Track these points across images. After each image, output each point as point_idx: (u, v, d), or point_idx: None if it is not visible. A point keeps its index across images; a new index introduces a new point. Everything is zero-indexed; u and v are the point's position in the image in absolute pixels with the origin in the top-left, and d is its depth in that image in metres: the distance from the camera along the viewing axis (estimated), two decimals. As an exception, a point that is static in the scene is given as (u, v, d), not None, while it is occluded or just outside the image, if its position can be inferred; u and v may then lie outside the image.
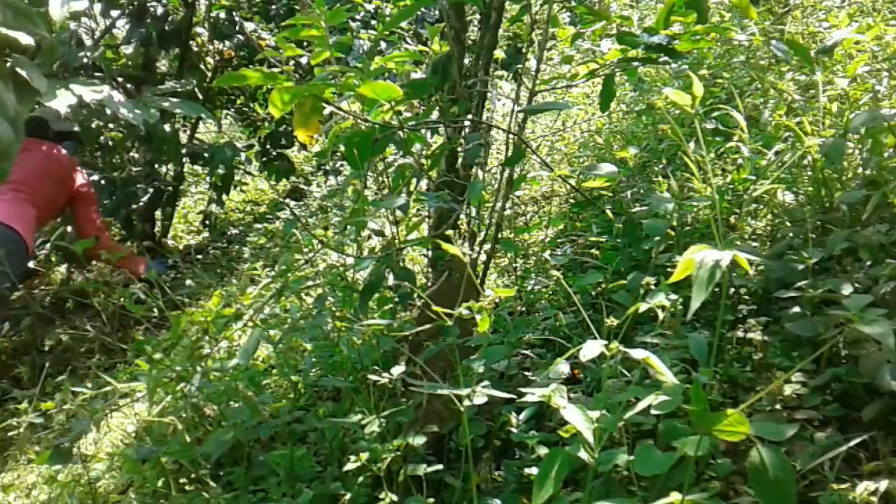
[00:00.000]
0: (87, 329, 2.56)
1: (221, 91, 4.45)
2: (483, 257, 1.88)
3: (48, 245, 3.67)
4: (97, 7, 3.57)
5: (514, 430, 1.33)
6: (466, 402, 1.15)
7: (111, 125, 3.50)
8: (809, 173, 1.84)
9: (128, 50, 3.75)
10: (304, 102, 1.55)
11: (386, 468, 1.27)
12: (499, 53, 2.05)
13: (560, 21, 2.09)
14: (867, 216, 1.56)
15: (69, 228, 3.50)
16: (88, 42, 3.54)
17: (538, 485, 0.97)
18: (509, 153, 1.79)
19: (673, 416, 1.11)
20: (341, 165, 3.44)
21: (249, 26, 4.22)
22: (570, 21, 3.38)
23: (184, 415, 1.72)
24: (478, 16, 2.13)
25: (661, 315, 1.15)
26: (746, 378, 1.41)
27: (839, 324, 1.32)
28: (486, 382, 1.22)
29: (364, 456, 1.27)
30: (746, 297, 1.52)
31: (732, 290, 1.52)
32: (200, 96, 3.95)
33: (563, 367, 1.29)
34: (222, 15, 4.09)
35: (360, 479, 1.37)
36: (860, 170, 1.71)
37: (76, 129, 3.25)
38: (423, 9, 2.95)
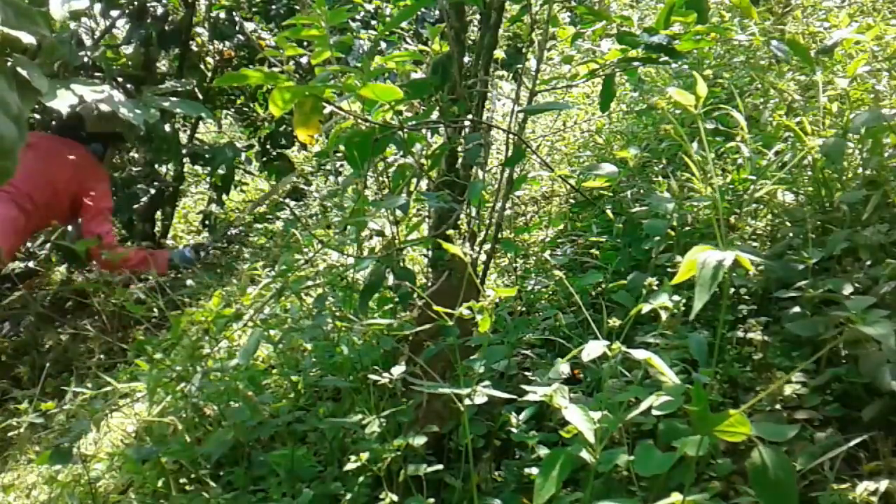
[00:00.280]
0: (87, 329, 2.56)
1: (221, 91, 4.45)
2: (483, 257, 1.88)
3: (48, 245, 3.67)
4: (97, 7, 3.57)
5: (514, 430, 1.32)
6: (466, 402, 1.15)
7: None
8: (809, 173, 1.84)
9: (128, 50, 3.74)
10: (305, 102, 1.55)
11: (386, 468, 1.27)
12: (499, 53, 2.05)
13: (560, 21, 2.08)
14: (867, 216, 1.56)
15: (69, 228, 3.49)
16: (88, 42, 3.54)
17: (539, 485, 0.97)
18: (509, 153, 1.79)
19: (673, 416, 1.11)
20: (341, 165, 3.44)
21: (249, 26, 4.22)
22: (570, 21, 3.38)
23: (184, 415, 1.72)
24: (478, 16, 2.13)
25: (663, 316, 1.15)
26: (746, 378, 1.41)
27: (839, 324, 1.32)
28: (486, 382, 1.22)
29: (364, 456, 1.27)
30: (746, 297, 1.52)
31: (732, 290, 1.52)
32: (200, 96, 3.95)
33: (563, 367, 1.29)
34: (222, 15, 4.09)
35: (360, 479, 1.37)
36: (860, 170, 1.71)
37: (118, 130, 3.16)
38: (423, 9, 2.95)
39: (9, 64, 1.03)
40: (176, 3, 3.80)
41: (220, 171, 3.89)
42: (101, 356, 2.75)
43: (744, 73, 2.50)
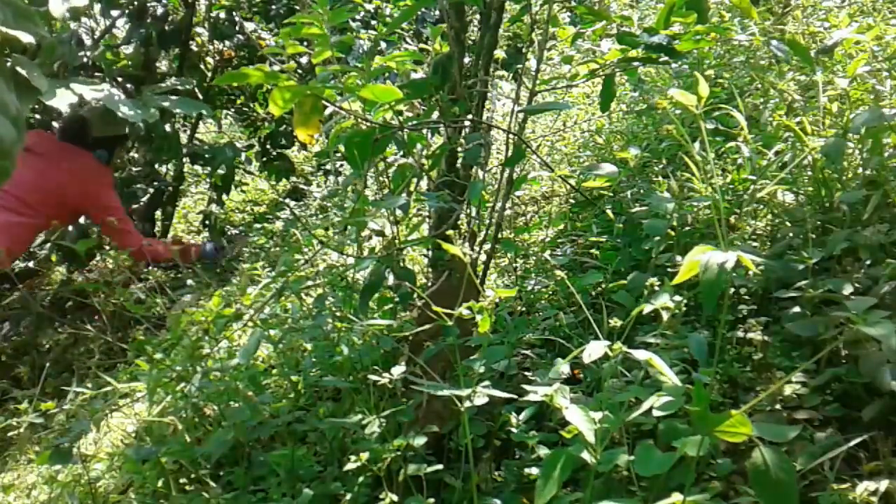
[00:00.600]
0: (88, 329, 2.56)
1: (221, 91, 4.45)
2: (483, 257, 1.88)
3: (48, 245, 3.67)
4: (97, 7, 3.56)
5: (514, 430, 1.32)
6: (466, 403, 1.15)
7: None
8: (809, 173, 1.84)
9: (128, 50, 3.74)
10: (305, 102, 1.55)
11: (386, 468, 1.27)
12: (499, 53, 2.05)
13: (560, 21, 2.08)
14: (867, 216, 1.56)
15: (70, 228, 3.49)
16: (88, 42, 3.54)
17: (540, 485, 0.97)
18: (509, 153, 1.79)
19: (673, 416, 1.11)
20: (341, 165, 3.45)
21: (249, 26, 4.22)
22: (570, 21, 3.38)
23: (184, 415, 1.72)
24: (478, 16, 2.13)
25: (664, 316, 1.15)
26: (746, 378, 1.41)
27: (839, 324, 1.32)
28: (486, 382, 1.22)
29: (364, 456, 1.27)
30: (746, 297, 1.52)
31: (732, 290, 1.52)
32: (200, 96, 3.95)
33: (563, 367, 1.29)
34: (222, 15, 4.09)
35: (360, 479, 1.37)
36: (860, 170, 1.71)
37: (124, 132, 3.14)
38: (423, 9, 2.95)
39: (8, 64, 1.03)
40: (176, 3, 3.80)
41: (220, 171, 3.88)
42: (101, 356, 2.75)
43: (744, 73, 2.50)
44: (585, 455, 1.00)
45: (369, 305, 1.73)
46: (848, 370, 1.30)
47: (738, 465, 1.19)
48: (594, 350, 1.01)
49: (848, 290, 1.36)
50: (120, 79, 3.63)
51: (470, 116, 1.92)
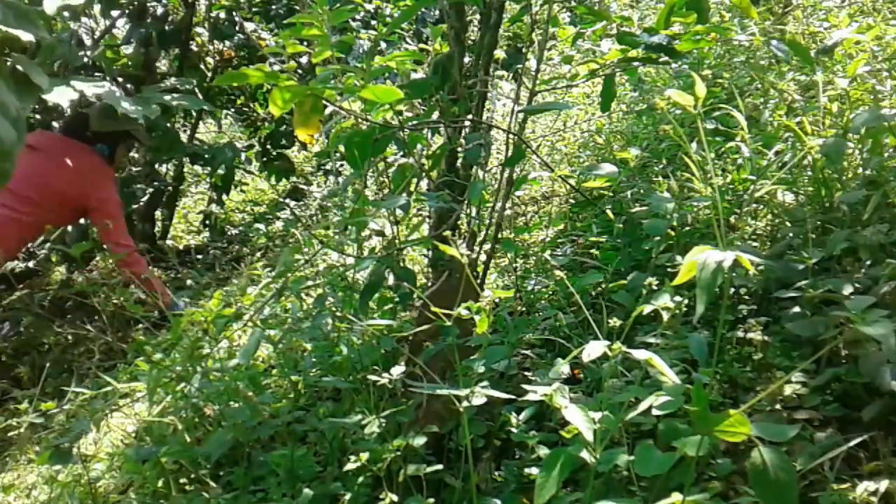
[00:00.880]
0: (88, 329, 2.56)
1: (221, 91, 4.46)
2: (483, 257, 1.88)
3: (48, 245, 3.67)
4: (97, 7, 3.56)
5: (514, 430, 1.33)
6: (465, 403, 1.15)
7: None
8: (809, 173, 1.84)
9: (128, 50, 3.75)
10: (305, 102, 1.55)
11: (386, 468, 1.27)
12: (499, 53, 2.05)
13: (560, 21, 2.09)
14: (867, 216, 1.56)
15: (69, 228, 3.49)
16: (88, 42, 3.54)
17: (540, 485, 0.97)
18: (509, 153, 1.79)
19: (673, 416, 1.11)
20: (341, 165, 3.45)
21: (249, 26, 4.22)
22: (570, 21, 3.38)
23: (184, 415, 1.72)
24: (478, 16, 2.13)
25: (664, 316, 1.15)
26: (746, 378, 1.41)
27: (839, 324, 1.32)
28: (484, 383, 1.22)
29: (364, 456, 1.27)
30: (746, 297, 1.52)
31: (732, 290, 1.52)
32: (200, 96, 3.95)
33: (563, 367, 1.29)
34: (222, 15, 4.09)
35: (360, 479, 1.37)
36: (860, 170, 1.71)
37: (126, 129, 3.08)
38: (423, 9, 2.95)
39: (8, 64, 1.03)
40: (176, 3, 3.80)
41: (220, 171, 3.89)
42: (101, 356, 2.75)
43: (744, 73, 2.50)
44: (585, 455, 1.00)
45: (369, 305, 1.73)
46: (848, 370, 1.30)
47: (738, 465, 1.19)
48: (593, 350, 1.01)
49: (848, 290, 1.36)
50: (120, 79, 3.64)
51: (470, 116, 1.93)
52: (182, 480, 1.62)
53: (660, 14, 1.69)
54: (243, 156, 4.33)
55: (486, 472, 1.40)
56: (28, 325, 3.19)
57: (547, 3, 1.78)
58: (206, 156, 3.80)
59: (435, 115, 1.97)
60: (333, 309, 1.75)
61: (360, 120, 1.70)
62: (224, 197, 4.29)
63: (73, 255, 2.86)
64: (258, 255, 3.76)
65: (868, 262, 1.48)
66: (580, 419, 1.00)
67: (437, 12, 4.31)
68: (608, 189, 2.15)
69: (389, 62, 1.78)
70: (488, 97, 2.28)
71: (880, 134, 1.63)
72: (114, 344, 2.18)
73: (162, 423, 1.71)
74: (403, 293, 1.67)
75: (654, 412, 1.06)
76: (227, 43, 4.17)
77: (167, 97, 2.93)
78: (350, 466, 1.29)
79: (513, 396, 1.23)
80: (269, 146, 4.47)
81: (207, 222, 4.56)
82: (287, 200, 4.50)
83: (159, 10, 3.73)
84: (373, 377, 1.36)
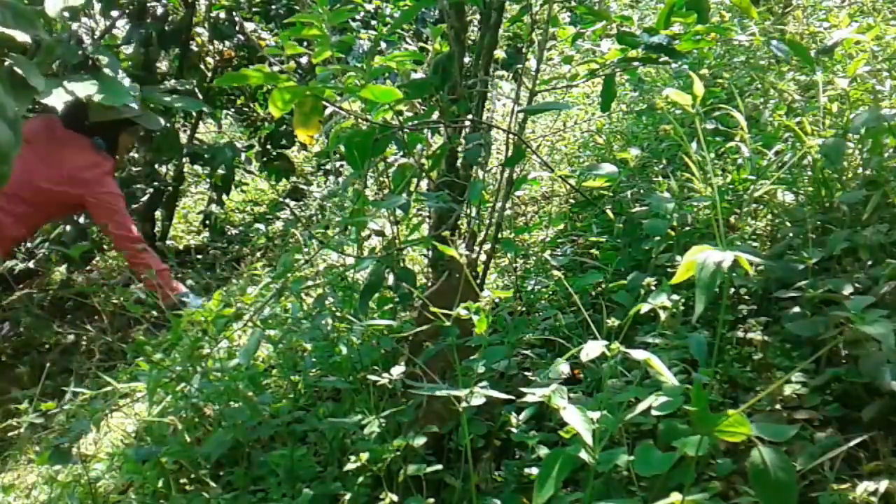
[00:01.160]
0: (87, 329, 2.56)
1: (221, 91, 4.46)
2: (483, 257, 1.88)
3: (47, 245, 3.67)
4: (97, 7, 3.56)
5: (514, 430, 1.32)
6: (465, 403, 1.15)
7: None
8: (809, 173, 1.84)
9: (128, 50, 3.75)
10: (305, 102, 1.55)
11: (386, 468, 1.27)
12: (499, 53, 2.05)
13: (560, 21, 2.09)
14: (867, 216, 1.56)
15: (67, 228, 3.49)
16: (88, 42, 3.54)
17: (539, 485, 0.97)
18: (509, 153, 1.79)
19: (673, 416, 1.11)
20: (341, 166, 3.45)
21: (249, 26, 4.22)
22: (570, 21, 3.38)
23: (184, 415, 1.72)
24: (478, 16, 2.13)
25: (662, 316, 1.15)
26: (746, 378, 1.41)
27: (839, 324, 1.31)
28: (484, 383, 1.22)
29: (364, 456, 1.27)
30: (746, 297, 1.52)
31: (732, 290, 1.52)
32: (200, 96, 3.95)
33: (563, 367, 1.29)
34: (222, 15, 4.09)
35: (360, 479, 1.37)
36: (860, 170, 1.71)
37: (128, 116, 2.96)
38: (423, 9, 2.95)
39: (6, 64, 1.03)
40: (176, 3, 3.80)
41: (220, 171, 3.89)
42: (101, 356, 2.75)
43: (744, 73, 2.49)
44: (584, 455, 1.00)
45: (369, 305, 1.73)
46: (848, 370, 1.30)
47: (738, 465, 1.19)
48: (592, 349, 1.01)
49: (848, 290, 1.36)
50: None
51: (470, 116, 1.92)
52: (182, 480, 1.62)
53: (660, 14, 1.69)
54: (243, 156, 4.33)
55: (486, 472, 1.40)
56: (28, 325, 3.19)
57: (547, 3, 1.78)
58: (206, 156, 3.80)
59: (435, 115, 1.97)
60: (333, 309, 1.75)
61: (360, 120, 1.70)
62: (224, 197, 4.29)
63: (71, 256, 2.86)
64: (258, 255, 3.76)
65: (868, 262, 1.48)
66: (578, 420, 1.00)
67: (437, 12, 4.30)
68: (608, 189, 2.15)
69: (389, 62, 1.78)
70: (488, 97, 2.28)
71: (880, 134, 1.63)
72: (114, 344, 2.18)
73: (162, 423, 1.71)
74: (403, 293, 1.67)
75: (654, 412, 1.06)
76: (227, 43, 4.17)
77: (167, 98, 2.92)
78: (350, 466, 1.29)
79: (512, 396, 1.23)
80: (269, 146, 4.48)
81: (207, 222, 4.56)
82: (287, 200, 4.50)
83: (159, 10, 3.73)
84: (373, 377, 1.36)
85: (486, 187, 1.92)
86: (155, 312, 1.94)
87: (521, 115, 1.86)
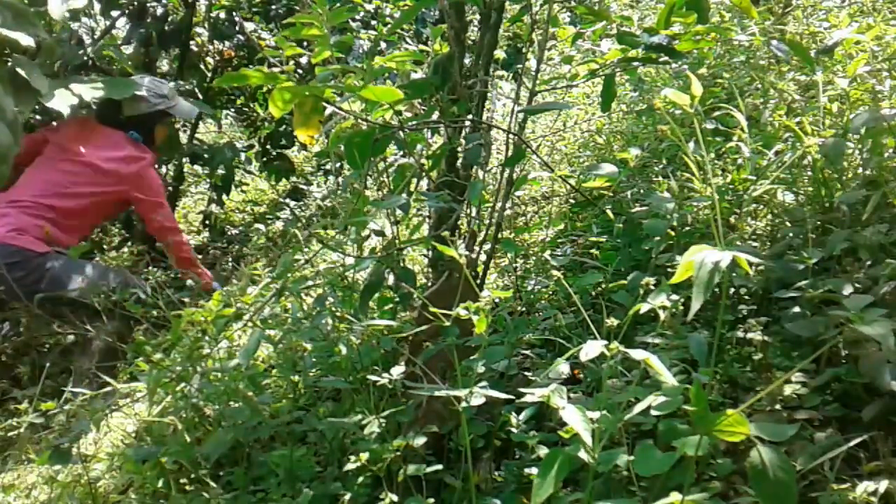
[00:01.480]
0: (87, 329, 2.56)
1: (221, 91, 4.46)
2: (483, 257, 1.88)
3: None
4: (97, 7, 3.56)
5: (514, 430, 1.33)
6: (465, 403, 1.15)
7: None
8: (809, 173, 1.84)
9: (128, 50, 3.75)
10: (305, 102, 1.55)
11: (386, 468, 1.27)
12: (499, 53, 2.05)
13: (560, 21, 2.09)
14: (867, 216, 1.56)
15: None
16: (88, 42, 3.54)
17: (538, 484, 0.97)
18: (509, 153, 1.79)
19: (673, 416, 1.11)
20: (341, 166, 3.45)
21: (249, 26, 4.22)
22: (571, 21, 3.38)
23: (184, 415, 1.72)
24: (478, 16, 2.14)
25: (662, 315, 1.15)
26: (746, 378, 1.41)
27: (839, 324, 1.31)
28: (483, 383, 1.22)
29: (364, 456, 1.27)
30: (746, 297, 1.52)
31: (732, 290, 1.52)
32: (200, 96, 3.95)
33: (563, 367, 1.29)
34: (222, 15, 4.09)
35: (360, 479, 1.37)
36: (860, 170, 1.71)
37: (162, 107, 2.95)
38: (423, 9, 2.95)
39: (8, 65, 1.03)
40: (176, 3, 3.81)
41: (220, 171, 3.88)
42: (101, 356, 2.74)
43: (744, 73, 2.49)
44: (583, 455, 1.00)
45: (369, 305, 1.73)
46: (848, 370, 1.30)
47: (738, 465, 1.19)
48: (591, 349, 1.01)
49: (848, 290, 1.36)
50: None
51: (470, 116, 1.93)
52: (182, 480, 1.62)
53: (660, 14, 1.69)
54: (243, 156, 4.33)
55: (486, 472, 1.40)
56: (28, 325, 3.19)
57: (547, 3, 1.78)
58: (206, 156, 3.80)
59: (435, 115, 1.97)
60: (333, 309, 1.76)
61: (360, 120, 1.70)
62: (224, 197, 4.28)
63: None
64: (258, 255, 3.76)
65: (868, 262, 1.48)
66: (578, 419, 1.00)
67: (437, 12, 4.30)
68: (608, 189, 2.15)
69: (389, 62, 1.78)
70: (488, 97, 2.28)
71: (880, 134, 1.63)
72: (114, 344, 2.18)
73: (162, 423, 1.71)
74: (403, 293, 1.67)
75: (654, 412, 1.06)
76: (227, 43, 4.17)
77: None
78: (350, 466, 1.29)
79: (512, 396, 1.23)
80: (269, 146, 4.47)
81: (207, 222, 4.56)
82: (287, 200, 4.50)
83: (159, 10, 3.73)
84: (373, 377, 1.36)
85: (486, 187, 1.92)
86: (155, 313, 1.94)
87: (521, 115, 1.86)
